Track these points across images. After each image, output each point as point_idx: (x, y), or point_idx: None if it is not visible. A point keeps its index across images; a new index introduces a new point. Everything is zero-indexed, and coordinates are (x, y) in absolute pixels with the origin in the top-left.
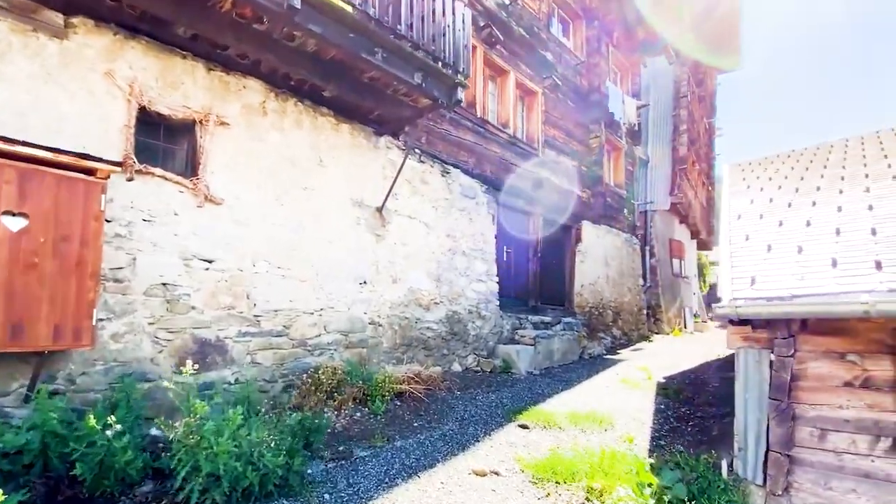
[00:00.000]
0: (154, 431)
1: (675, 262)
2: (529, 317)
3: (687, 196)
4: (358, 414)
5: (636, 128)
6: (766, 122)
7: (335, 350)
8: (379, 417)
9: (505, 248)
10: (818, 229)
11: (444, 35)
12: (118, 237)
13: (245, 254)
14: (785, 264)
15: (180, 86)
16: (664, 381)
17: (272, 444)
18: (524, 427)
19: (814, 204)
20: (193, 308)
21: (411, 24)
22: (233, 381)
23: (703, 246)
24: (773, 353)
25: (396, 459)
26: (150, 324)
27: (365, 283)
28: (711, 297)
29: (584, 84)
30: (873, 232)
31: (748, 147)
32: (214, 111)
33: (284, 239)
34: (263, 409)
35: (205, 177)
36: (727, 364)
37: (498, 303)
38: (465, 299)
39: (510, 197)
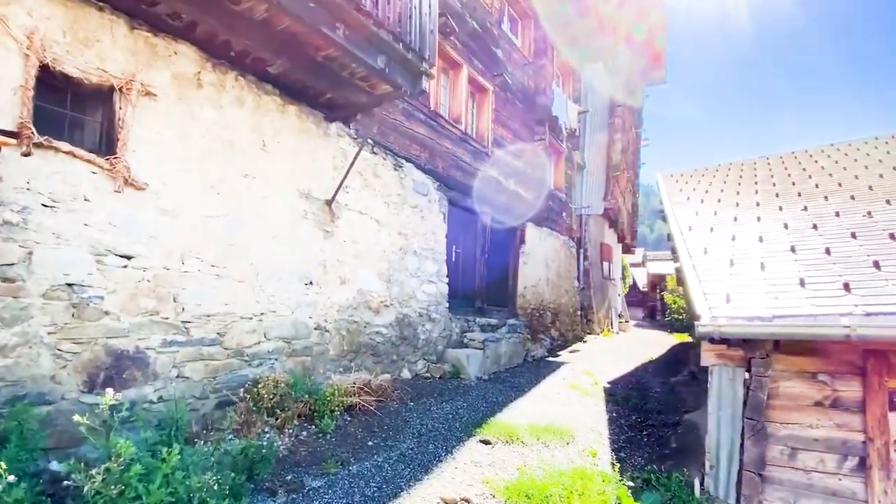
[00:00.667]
0: (54, 466)
1: (605, 264)
2: (477, 319)
3: (617, 202)
4: (304, 433)
5: (576, 133)
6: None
7: (276, 359)
8: (328, 436)
9: (454, 248)
10: (773, 246)
11: (410, 17)
12: (8, 225)
13: (172, 249)
14: (753, 281)
15: (95, 44)
16: (610, 386)
17: (214, 487)
18: (486, 442)
19: (759, 219)
20: (107, 314)
21: (377, 1)
22: (156, 400)
23: (626, 249)
24: (747, 371)
25: (355, 489)
26: (50, 334)
27: (311, 283)
28: (631, 298)
29: (531, 85)
30: (828, 251)
31: (668, 156)
32: (139, 78)
33: (220, 233)
34: (194, 430)
35: (125, 156)
36: (661, 367)
37: (447, 305)
38: (416, 301)
39: (460, 195)
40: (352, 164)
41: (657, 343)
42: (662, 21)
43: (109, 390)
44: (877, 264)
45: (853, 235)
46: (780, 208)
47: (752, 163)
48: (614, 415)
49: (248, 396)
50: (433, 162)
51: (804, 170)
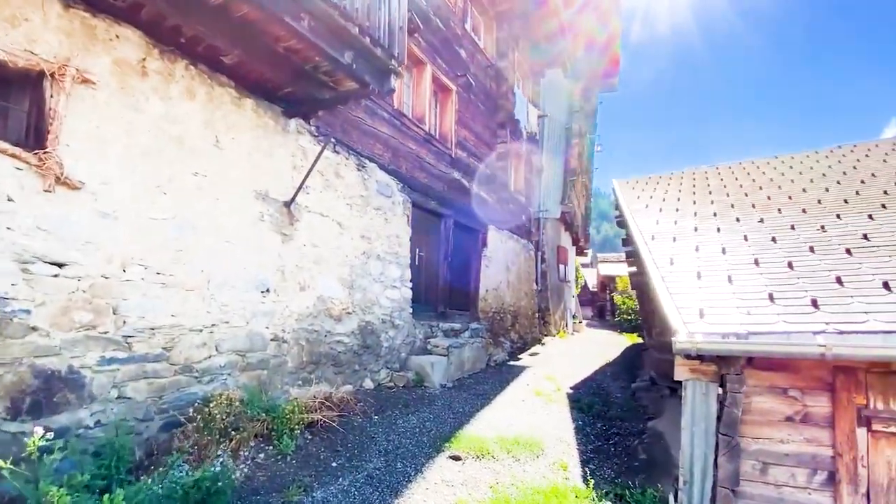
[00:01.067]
0: None
1: (561, 267)
2: (440, 324)
3: (574, 206)
4: (262, 455)
5: (536, 137)
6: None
7: (229, 375)
8: (289, 458)
9: (417, 251)
10: (737, 258)
11: (379, 10)
12: None
13: (112, 256)
14: (722, 295)
15: (23, 23)
16: (572, 391)
17: None
18: (456, 458)
19: (718, 230)
20: (35, 330)
21: None
22: (93, 425)
23: (579, 252)
24: (721, 387)
25: None
26: None
27: (268, 291)
28: (581, 298)
29: (493, 87)
30: (790, 266)
31: (618, 162)
32: (74, 64)
33: (167, 237)
34: (138, 458)
35: (56, 151)
36: (618, 371)
37: (411, 311)
38: (379, 308)
39: (424, 198)
40: (314, 164)
41: (610, 344)
42: (618, 30)
43: (38, 429)
44: (839, 280)
45: (811, 249)
46: (738, 219)
47: (704, 172)
48: (580, 423)
49: (199, 417)
50: (397, 162)
51: (754, 181)
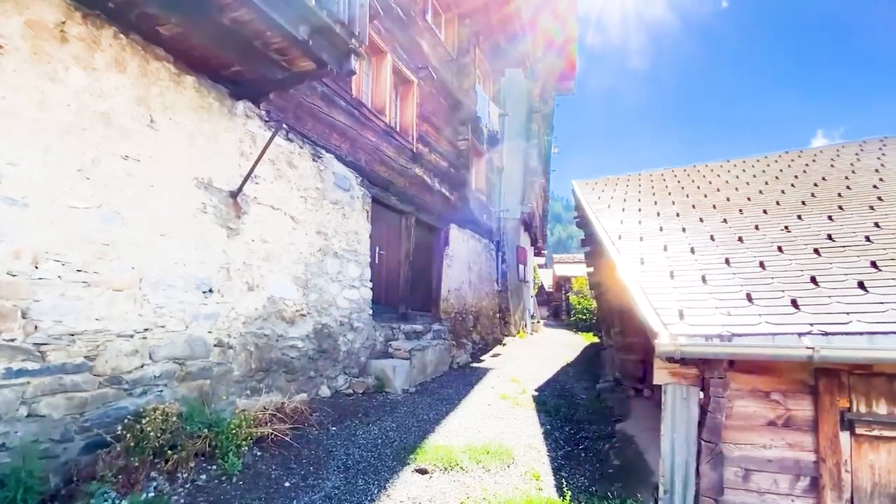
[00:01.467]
0: None
1: (521, 267)
2: (401, 326)
3: (533, 206)
4: (204, 477)
5: (497, 136)
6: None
7: (166, 386)
8: (235, 479)
9: (377, 249)
10: (707, 258)
11: None
12: None
13: (21, 249)
14: (699, 295)
15: None
16: (538, 393)
17: None
18: (423, 472)
19: (684, 230)
20: None
21: None
22: None
23: (537, 252)
24: (702, 390)
25: None
26: None
27: (211, 291)
28: (537, 298)
29: (455, 83)
30: (762, 265)
31: (574, 164)
32: None
33: (90, 229)
34: (54, 485)
35: None
36: (580, 371)
37: (371, 312)
38: (337, 309)
39: (384, 193)
40: (264, 150)
41: (569, 344)
42: (574, 33)
43: None
44: (814, 280)
45: (780, 249)
46: (701, 220)
47: (660, 174)
48: (548, 427)
49: (129, 435)
50: (355, 154)
51: (710, 183)
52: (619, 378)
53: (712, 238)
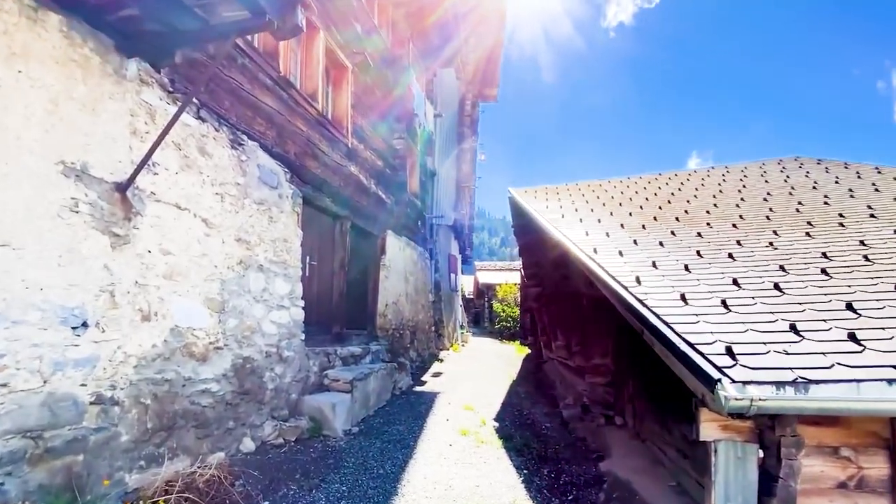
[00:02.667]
0: None
1: (452, 276)
2: (337, 349)
3: (465, 213)
4: None
5: (432, 137)
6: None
7: (10, 476)
8: None
9: (308, 259)
10: (712, 278)
11: None
12: None
13: None
14: (730, 326)
15: None
16: (498, 424)
17: None
18: None
19: (661, 244)
20: None
21: None
22: None
23: (464, 260)
24: (762, 448)
25: None
26: None
27: (86, 326)
28: (466, 308)
29: (391, 77)
30: (777, 288)
31: (497, 173)
32: None
33: None
34: None
35: None
36: (531, 390)
37: (303, 337)
38: (262, 336)
39: (316, 193)
40: (167, 128)
41: (504, 356)
42: (500, 39)
43: None
44: (851, 306)
45: (782, 268)
46: (673, 233)
47: (597, 184)
48: (525, 471)
49: None
50: (284, 145)
51: (654, 195)
52: (587, 404)
53: (699, 254)
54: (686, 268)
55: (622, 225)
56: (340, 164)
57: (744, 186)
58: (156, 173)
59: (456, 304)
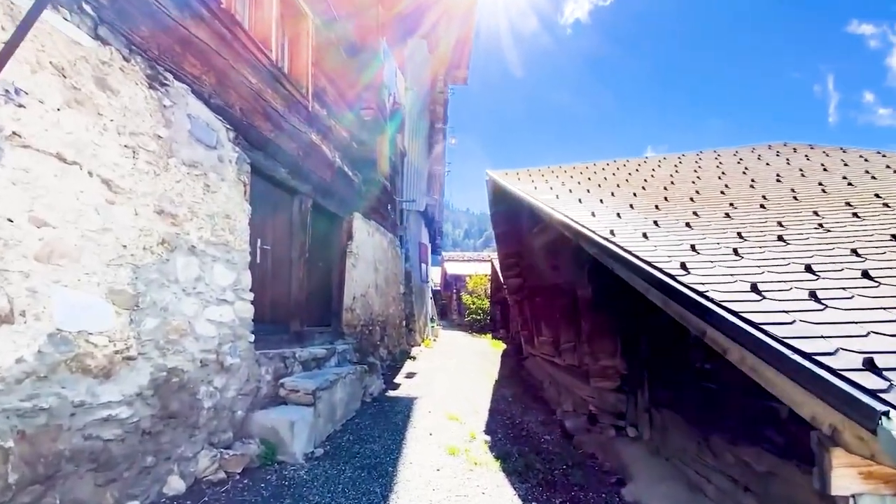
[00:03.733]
0: None
1: (423, 266)
2: (297, 352)
3: (436, 199)
4: None
5: (401, 112)
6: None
7: None
8: None
9: (260, 243)
10: (774, 264)
11: None
12: None
13: None
14: (836, 328)
15: None
16: (490, 438)
17: None
18: None
19: (688, 226)
20: None
21: None
22: None
23: (433, 250)
24: None
25: None
26: None
27: None
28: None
29: (359, 40)
30: (810, 269)
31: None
32: None
33: None
34: None
35: None
36: (517, 393)
37: (252, 338)
38: (195, 340)
39: (270, 161)
40: (22, 31)
41: (480, 352)
42: (471, 20)
43: None
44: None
45: (855, 252)
46: (696, 213)
47: (584, 167)
48: (532, 502)
49: None
50: (226, 96)
51: (652, 176)
52: (594, 413)
53: (741, 236)
54: (736, 252)
55: (631, 206)
56: (300, 129)
57: (723, 173)
58: (20, 105)
59: (427, 297)
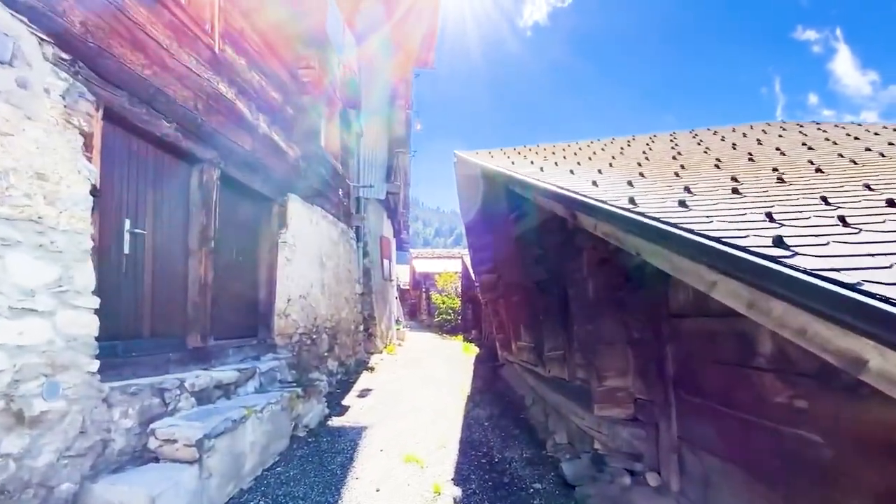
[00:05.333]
0: None
1: (385, 263)
2: (187, 378)
3: (400, 187)
4: None
5: (356, 83)
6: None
7: None
8: None
9: (129, 224)
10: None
11: None
12: None
13: None
14: None
15: None
16: (461, 494)
17: None
18: None
19: (736, 191)
20: None
21: None
22: None
23: (399, 245)
24: None
25: None
26: None
27: None
28: (401, 300)
29: None
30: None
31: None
32: None
33: None
34: None
35: None
36: (494, 415)
37: (94, 366)
38: None
39: (143, 108)
40: None
41: (450, 357)
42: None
43: None
44: (770, 216)
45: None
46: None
47: (552, 146)
48: None
49: None
50: None
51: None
52: (601, 453)
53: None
54: (769, 216)
55: (642, 174)
56: (197, 73)
57: (708, 147)
58: None
59: (391, 297)
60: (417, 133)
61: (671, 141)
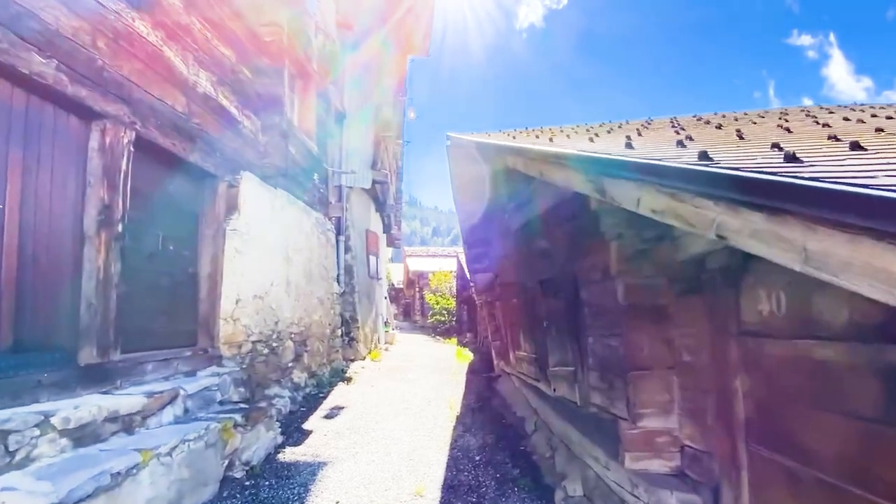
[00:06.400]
0: None
1: (372, 259)
2: (59, 410)
3: (388, 175)
4: None
5: (337, 55)
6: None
7: None
8: None
9: None
10: None
11: None
12: None
13: None
14: None
15: None
16: None
17: None
18: None
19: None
20: None
21: None
22: None
23: (390, 242)
24: None
25: None
26: None
27: None
28: (388, 296)
29: None
30: None
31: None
32: None
33: None
34: None
35: None
36: (485, 445)
37: None
38: None
39: None
40: None
41: (441, 366)
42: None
43: None
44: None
45: None
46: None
47: (559, 128)
48: None
49: None
50: None
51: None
52: None
53: None
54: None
55: (690, 137)
56: (102, 2)
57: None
58: None
59: (378, 297)
60: (412, 125)
61: (700, 119)
